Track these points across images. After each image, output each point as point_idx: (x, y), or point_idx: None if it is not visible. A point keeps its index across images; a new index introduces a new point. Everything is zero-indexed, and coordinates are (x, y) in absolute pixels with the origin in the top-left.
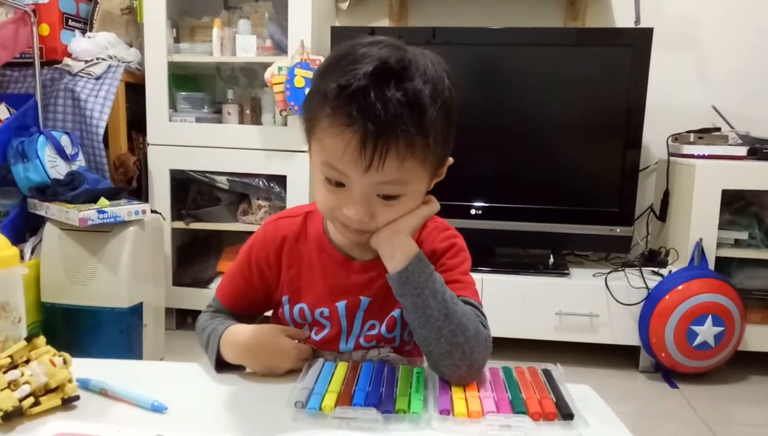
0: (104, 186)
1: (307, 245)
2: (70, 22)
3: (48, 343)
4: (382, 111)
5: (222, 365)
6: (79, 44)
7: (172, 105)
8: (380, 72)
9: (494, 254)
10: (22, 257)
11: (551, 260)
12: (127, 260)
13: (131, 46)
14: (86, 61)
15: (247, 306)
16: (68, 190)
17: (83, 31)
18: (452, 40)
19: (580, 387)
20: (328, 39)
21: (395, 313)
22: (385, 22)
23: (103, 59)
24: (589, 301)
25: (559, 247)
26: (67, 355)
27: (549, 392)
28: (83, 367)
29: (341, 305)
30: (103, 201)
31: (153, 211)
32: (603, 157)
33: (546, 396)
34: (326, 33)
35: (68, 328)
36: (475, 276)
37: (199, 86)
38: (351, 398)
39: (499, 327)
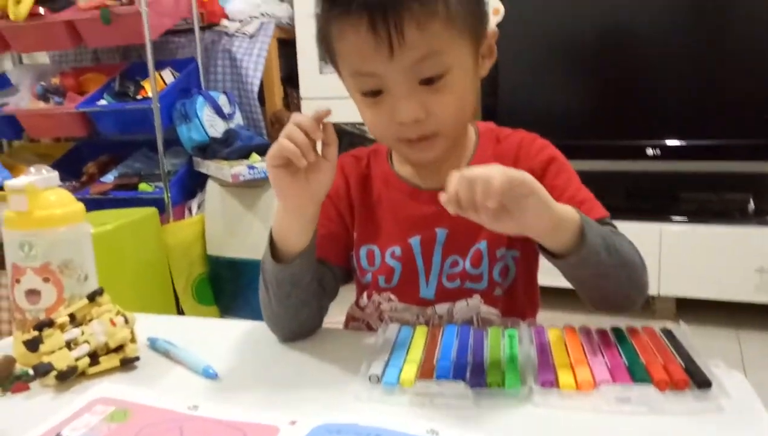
0: (258, 142)
1: (373, 183)
2: None
3: (215, 294)
4: None
5: (278, 259)
6: (234, 5)
7: (323, 58)
8: None
9: (678, 199)
10: (190, 212)
11: (751, 205)
12: None
13: (283, 1)
14: (241, 21)
15: (330, 249)
16: (224, 147)
17: None
18: None
19: (729, 374)
20: None
21: (480, 245)
22: None
23: (256, 17)
24: None
25: (763, 189)
26: (130, 314)
27: (675, 356)
28: (158, 324)
29: (415, 240)
30: (254, 157)
31: None
32: None
33: (672, 360)
34: None
35: (232, 279)
36: (653, 227)
37: None
38: (434, 370)
39: (684, 286)
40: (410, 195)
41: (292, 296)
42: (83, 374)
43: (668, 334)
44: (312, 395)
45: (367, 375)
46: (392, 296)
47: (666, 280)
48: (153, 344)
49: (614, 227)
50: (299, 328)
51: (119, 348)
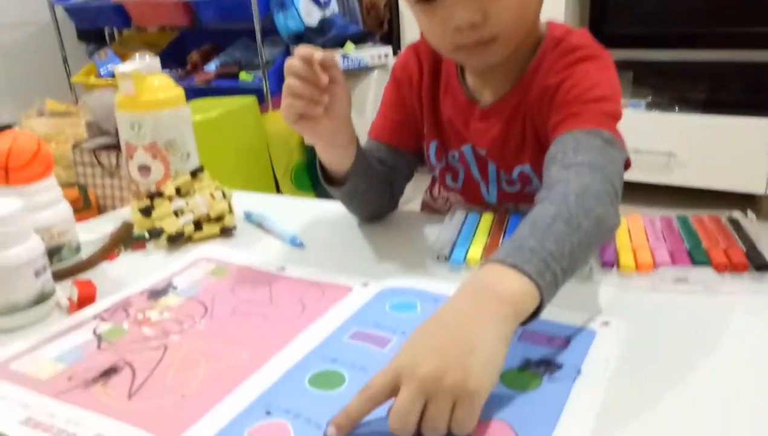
0: (353, 31)
1: (442, 73)
2: None
3: (312, 181)
4: None
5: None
6: None
7: None
8: None
9: None
10: None
11: None
12: (372, 103)
13: None
14: None
15: (402, 135)
16: (319, 36)
17: None
18: None
19: None
20: None
21: (525, 168)
22: None
23: None
24: None
25: None
26: (227, 190)
27: (738, 242)
28: (255, 201)
29: (467, 148)
30: (348, 45)
31: (396, 54)
32: None
33: (733, 245)
34: None
35: None
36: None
37: None
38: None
39: None
40: (464, 107)
41: (354, 201)
42: (189, 239)
43: (735, 223)
44: (385, 266)
45: (436, 254)
46: (459, 197)
47: None
48: (248, 217)
49: (606, 140)
50: (371, 215)
51: (219, 218)
